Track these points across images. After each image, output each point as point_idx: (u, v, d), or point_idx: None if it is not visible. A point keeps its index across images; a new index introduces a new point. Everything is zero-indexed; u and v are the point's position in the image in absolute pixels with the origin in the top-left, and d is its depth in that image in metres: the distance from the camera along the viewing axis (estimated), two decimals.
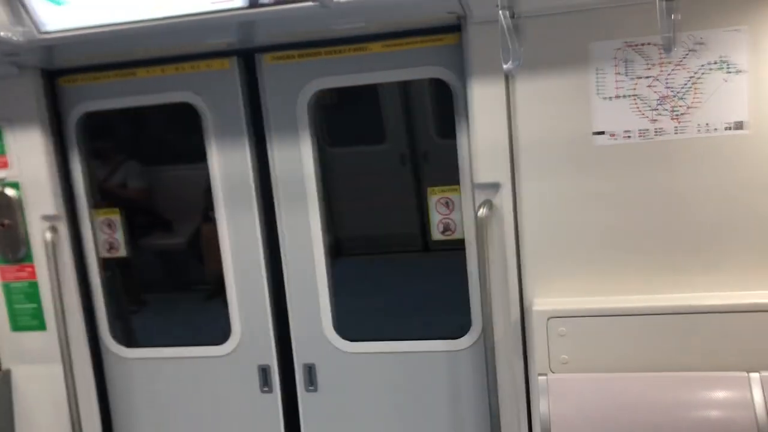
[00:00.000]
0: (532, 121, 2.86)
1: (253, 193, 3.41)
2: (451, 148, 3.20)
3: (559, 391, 2.80)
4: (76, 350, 3.55)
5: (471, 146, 2.99)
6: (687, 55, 2.71)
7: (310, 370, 3.51)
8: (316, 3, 2.52)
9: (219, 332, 3.58)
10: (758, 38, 2.64)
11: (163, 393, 3.69)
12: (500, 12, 1.84)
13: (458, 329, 3.32)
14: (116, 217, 3.66)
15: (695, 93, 2.72)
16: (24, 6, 2.75)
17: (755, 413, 2.59)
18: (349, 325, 3.49)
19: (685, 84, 2.73)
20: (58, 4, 2.81)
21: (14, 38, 2.78)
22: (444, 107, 3.23)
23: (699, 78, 2.71)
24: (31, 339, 3.56)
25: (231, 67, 3.31)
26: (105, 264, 3.68)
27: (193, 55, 3.31)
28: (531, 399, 3.04)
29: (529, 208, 2.92)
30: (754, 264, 2.78)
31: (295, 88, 3.27)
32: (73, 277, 3.54)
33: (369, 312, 3.83)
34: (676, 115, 2.75)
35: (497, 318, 3.03)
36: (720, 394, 2.68)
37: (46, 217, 3.44)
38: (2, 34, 2.79)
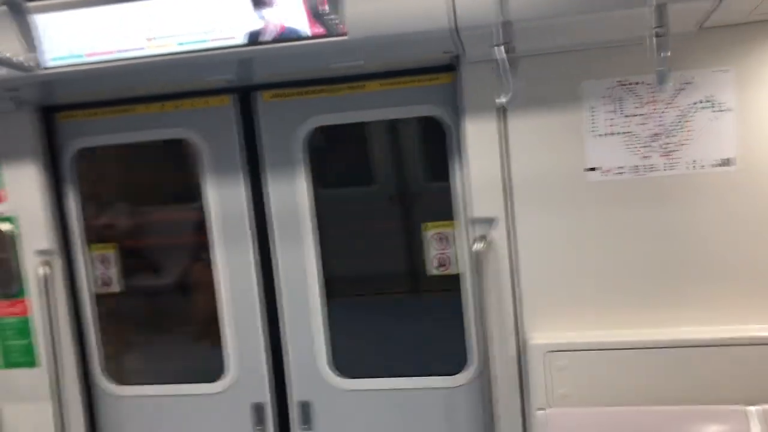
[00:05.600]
0: (525, 156, 2.92)
1: (249, 229, 3.42)
2: (440, 190, 3.25)
3: (558, 425, 2.80)
4: (68, 388, 3.49)
5: (466, 181, 3.03)
6: (676, 94, 2.80)
7: (305, 408, 3.47)
8: (323, 38, 2.58)
9: (209, 374, 3.54)
10: (743, 78, 2.75)
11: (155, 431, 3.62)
12: (497, 48, 1.91)
13: (455, 366, 3.31)
14: (111, 253, 3.65)
15: (685, 131, 2.81)
16: (33, 40, 2.79)
17: None
18: (345, 362, 3.47)
19: (675, 122, 2.81)
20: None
21: (21, 72, 2.79)
22: (432, 151, 3.27)
23: (688, 116, 2.80)
24: (22, 376, 3.50)
25: (229, 104, 3.35)
26: (97, 300, 3.65)
27: (192, 92, 3.35)
28: None
29: (525, 243, 2.96)
30: (746, 297, 2.83)
31: (292, 125, 3.32)
32: (66, 313, 3.51)
33: (364, 350, 3.81)
34: (667, 151, 2.83)
35: (495, 352, 3.03)
36: (719, 428, 2.68)
37: (41, 252, 3.41)
38: (4, 72, 2.81)
